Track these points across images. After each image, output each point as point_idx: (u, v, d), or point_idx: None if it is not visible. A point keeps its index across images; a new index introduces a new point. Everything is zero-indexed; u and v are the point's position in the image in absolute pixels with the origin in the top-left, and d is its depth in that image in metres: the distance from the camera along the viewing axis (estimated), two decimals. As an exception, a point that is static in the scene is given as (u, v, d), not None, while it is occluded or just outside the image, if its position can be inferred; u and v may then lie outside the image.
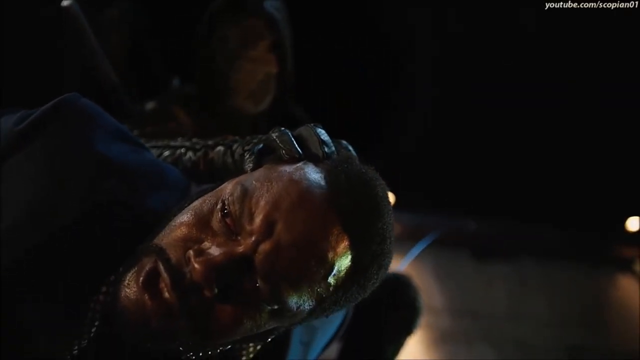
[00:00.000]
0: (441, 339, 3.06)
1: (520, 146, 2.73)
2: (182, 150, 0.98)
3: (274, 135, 0.78)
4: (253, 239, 0.66)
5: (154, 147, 1.02)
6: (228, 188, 0.70)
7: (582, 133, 2.67)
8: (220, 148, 0.94)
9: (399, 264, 2.77)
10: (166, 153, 0.99)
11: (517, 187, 2.81)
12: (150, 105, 1.75)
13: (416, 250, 2.87)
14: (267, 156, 0.79)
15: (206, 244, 0.67)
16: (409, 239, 2.95)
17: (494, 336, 3.14)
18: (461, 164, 2.78)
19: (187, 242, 0.68)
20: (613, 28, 2.13)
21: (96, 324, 0.68)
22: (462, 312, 3.22)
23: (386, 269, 0.76)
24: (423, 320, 1.81)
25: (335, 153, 0.78)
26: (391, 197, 0.79)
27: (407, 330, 1.75)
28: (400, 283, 1.73)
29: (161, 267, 0.66)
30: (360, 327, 1.56)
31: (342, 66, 2.52)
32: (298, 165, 0.73)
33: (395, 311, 1.71)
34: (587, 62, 2.44)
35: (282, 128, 0.79)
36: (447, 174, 2.80)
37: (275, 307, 0.68)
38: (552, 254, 3.22)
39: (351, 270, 0.70)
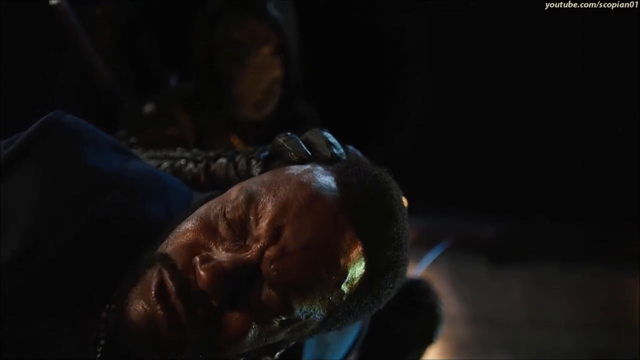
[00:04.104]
0: (457, 348, 2.99)
1: (537, 144, 2.70)
2: (182, 161, 0.96)
3: (280, 140, 0.77)
4: (259, 244, 0.64)
5: (152, 157, 0.99)
6: (233, 193, 0.69)
7: (597, 130, 2.62)
8: (222, 160, 0.92)
9: (413, 271, 2.69)
10: (165, 164, 0.97)
11: (535, 187, 2.74)
12: (148, 108, 1.70)
13: (431, 257, 2.80)
14: (275, 161, 0.78)
15: (213, 250, 0.65)
16: (423, 245, 2.87)
17: (513, 344, 3.07)
18: (476, 165, 2.74)
19: (193, 248, 0.66)
20: (613, 28, 2.12)
21: (102, 342, 0.67)
22: (479, 319, 3.15)
23: (402, 277, 0.74)
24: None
25: (344, 155, 0.77)
26: (404, 202, 0.78)
27: (428, 339, 1.66)
28: (420, 288, 1.64)
29: (166, 275, 0.64)
30: (378, 336, 1.49)
31: (350, 67, 2.49)
32: (306, 167, 0.71)
33: (414, 318, 1.62)
34: (588, 62, 2.43)
35: (289, 133, 0.78)
36: (462, 176, 2.75)
37: (284, 317, 0.66)
38: (574, 256, 3.11)
39: (365, 278, 0.68)
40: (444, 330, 1.72)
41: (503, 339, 3.11)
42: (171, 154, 0.99)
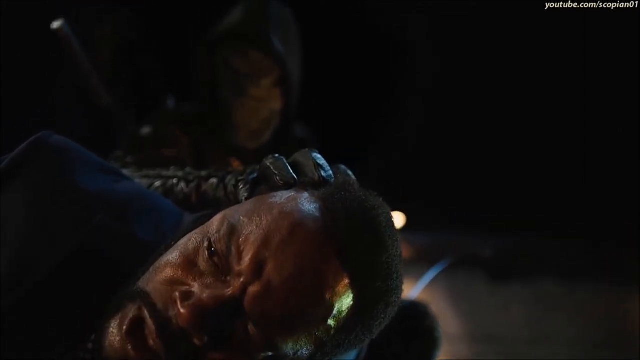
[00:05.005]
0: (457, 366, 2.98)
1: (537, 157, 2.67)
2: (174, 180, 0.95)
3: (267, 162, 0.75)
4: (242, 280, 0.62)
5: (145, 176, 0.98)
6: (214, 224, 0.66)
7: (596, 139, 2.60)
8: (213, 180, 0.90)
9: (412, 289, 2.68)
10: (157, 183, 0.96)
11: (535, 202, 2.72)
12: (146, 129, 1.69)
13: (431, 275, 2.78)
14: (262, 185, 0.76)
15: (193, 286, 0.63)
16: (422, 262, 2.86)
17: (514, 361, 3.06)
18: (475, 182, 2.71)
19: (173, 284, 0.64)
20: (613, 28, 2.11)
21: None
22: (479, 336, 3.14)
23: (395, 306, 0.70)
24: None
25: (333, 177, 0.74)
26: (402, 218, 0.73)
27: (426, 363, 1.64)
28: (418, 311, 1.63)
29: (146, 313, 0.62)
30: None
31: (347, 79, 2.49)
32: (290, 195, 0.68)
33: (412, 342, 1.60)
34: (588, 62, 2.42)
35: (276, 155, 0.76)
36: (461, 193, 2.73)
37: (270, 354, 0.63)
38: (574, 272, 3.10)
39: (354, 310, 0.65)
40: (444, 348, 1.71)
41: (503, 356, 3.08)
42: (164, 173, 0.98)
